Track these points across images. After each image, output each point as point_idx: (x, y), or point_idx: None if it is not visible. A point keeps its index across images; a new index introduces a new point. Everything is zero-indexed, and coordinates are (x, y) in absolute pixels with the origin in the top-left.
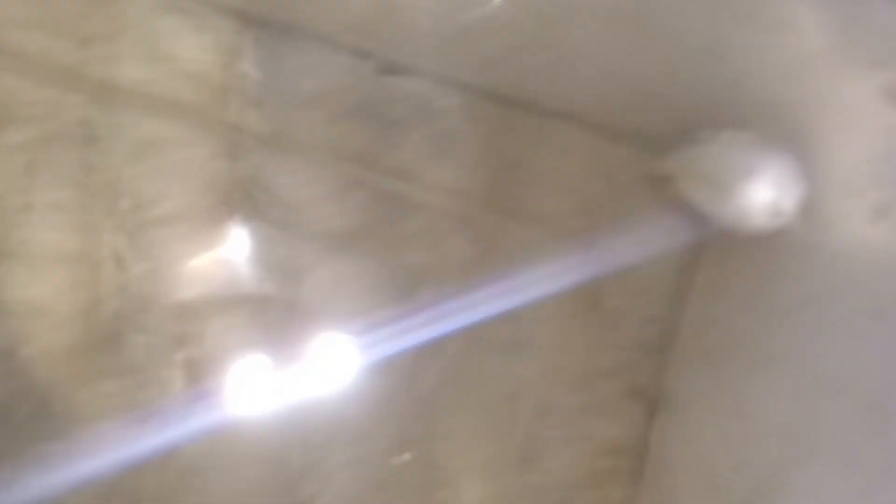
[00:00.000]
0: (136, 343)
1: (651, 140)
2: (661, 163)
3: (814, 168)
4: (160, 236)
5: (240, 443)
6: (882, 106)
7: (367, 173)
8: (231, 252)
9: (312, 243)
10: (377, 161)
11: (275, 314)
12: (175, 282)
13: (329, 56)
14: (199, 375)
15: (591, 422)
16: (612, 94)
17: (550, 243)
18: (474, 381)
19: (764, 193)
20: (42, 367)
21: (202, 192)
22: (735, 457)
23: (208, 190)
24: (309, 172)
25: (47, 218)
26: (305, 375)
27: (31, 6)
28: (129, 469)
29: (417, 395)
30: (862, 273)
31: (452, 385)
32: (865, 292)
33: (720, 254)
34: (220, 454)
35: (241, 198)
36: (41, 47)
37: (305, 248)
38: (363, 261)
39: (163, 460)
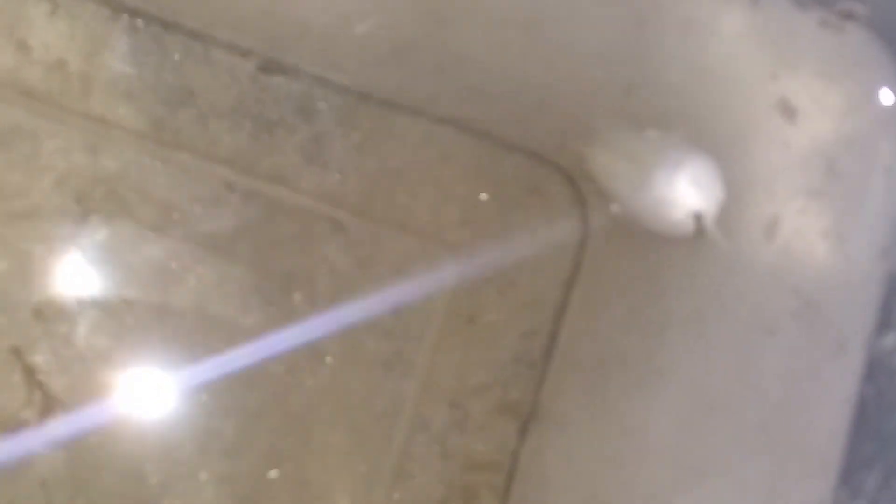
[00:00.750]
0: None
1: (539, 150)
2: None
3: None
4: (15, 233)
5: (95, 455)
6: (778, 119)
7: (241, 176)
8: (92, 253)
9: (183, 246)
10: (252, 164)
11: (139, 319)
12: (31, 282)
13: (207, 51)
14: (53, 382)
15: (462, 438)
16: (502, 102)
17: (429, 254)
18: (351, 396)
19: (688, 188)
20: None
21: (61, 187)
22: (616, 476)
23: (68, 185)
24: (181, 172)
25: None
26: (169, 386)
27: None
28: None
29: (291, 409)
30: (752, 289)
31: (329, 400)
32: (756, 309)
33: (602, 267)
34: (73, 466)
35: (106, 195)
36: None
37: (175, 250)
38: (234, 266)
39: (12, 474)
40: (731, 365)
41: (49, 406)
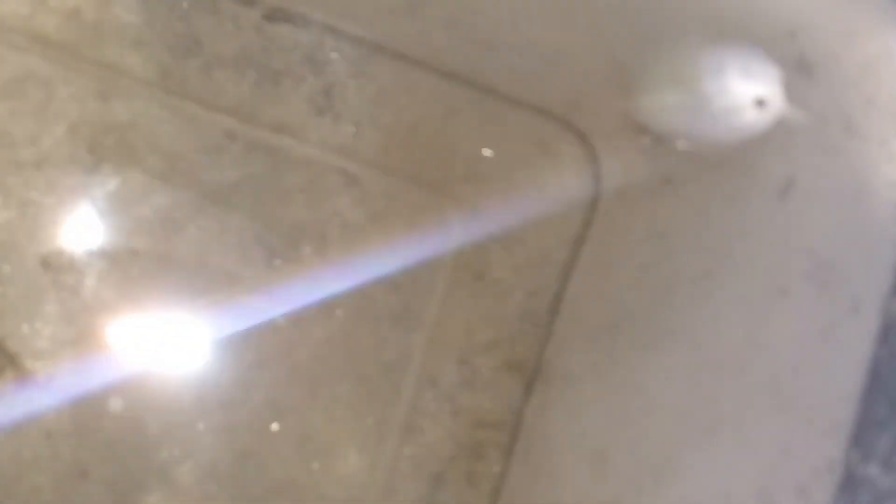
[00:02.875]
0: None
1: (549, 107)
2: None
3: None
4: (23, 182)
5: (98, 406)
6: (795, 76)
7: (244, 126)
8: (102, 202)
9: (188, 195)
10: (255, 113)
11: (144, 270)
12: (39, 232)
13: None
14: (60, 333)
15: (468, 394)
16: (514, 56)
17: (439, 208)
18: (357, 349)
19: (744, 82)
20: None
21: (73, 135)
22: (624, 435)
23: (80, 134)
24: (187, 122)
25: None
26: (171, 337)
27: None
28: None
29: (296, 361)
30: (764, 249)
31: (335, 353)
32: (768, 269)
33: (611, 226)
34: (77, 418)
35: (116, 144)
36: None
37: (181, 200)
38: (241, 216)
39: (18, 426)
40: (741, 325)
41: (52, 358)
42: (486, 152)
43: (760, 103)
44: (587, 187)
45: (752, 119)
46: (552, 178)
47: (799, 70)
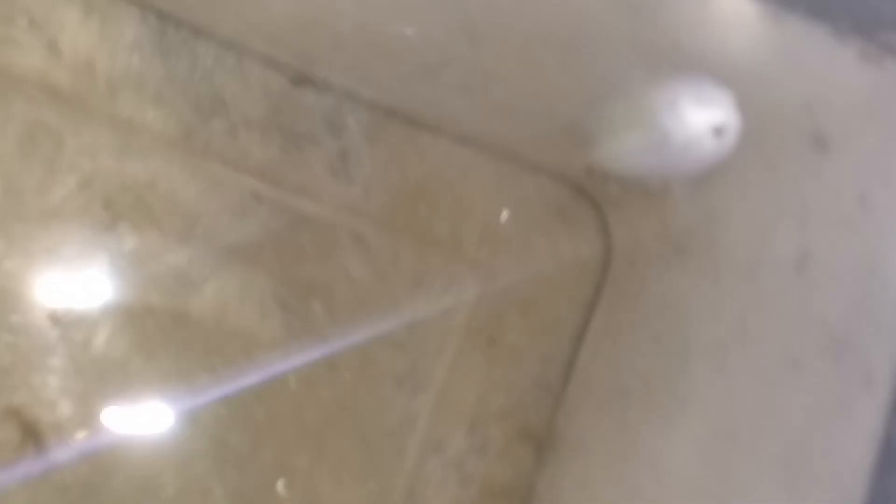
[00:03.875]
0: (4, 343)
1: (563, 172)
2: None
3: None
4: (33, 231)
5: (112, 464)
6: (809, 150)
7: (269, 187)
8: (116, 259)
9: (207, 254)
10: (280, 176)
11: (159, 327)
12: (50, 283)
13: (239, 61)
14: (70, 387)
15: (478, 461)
16: (528, 122)
17: (449, 270)
18: (364, 411)
19: (699, 112)
20: None
21: (87, 189)
22: None
23: (94, 188)
24: (210, 182)
25: None
26: (185, 395)
27: None
28: None
29: (305, 422)
30: (778, 322)
31: (342, 414)
32: (781, 342)
33: (624, 292)
34: (90, 475)
35: (133, 202)
36: None
37: (199, 259)
38: (259, 275)
39: (31, 480)
40: (754, 397)
41: (62, 416)
42: (503, 216)
43: (719, 131)
44: (599, 253)
45: (713, 148)
46: (566, 243)
47: (814, 144)
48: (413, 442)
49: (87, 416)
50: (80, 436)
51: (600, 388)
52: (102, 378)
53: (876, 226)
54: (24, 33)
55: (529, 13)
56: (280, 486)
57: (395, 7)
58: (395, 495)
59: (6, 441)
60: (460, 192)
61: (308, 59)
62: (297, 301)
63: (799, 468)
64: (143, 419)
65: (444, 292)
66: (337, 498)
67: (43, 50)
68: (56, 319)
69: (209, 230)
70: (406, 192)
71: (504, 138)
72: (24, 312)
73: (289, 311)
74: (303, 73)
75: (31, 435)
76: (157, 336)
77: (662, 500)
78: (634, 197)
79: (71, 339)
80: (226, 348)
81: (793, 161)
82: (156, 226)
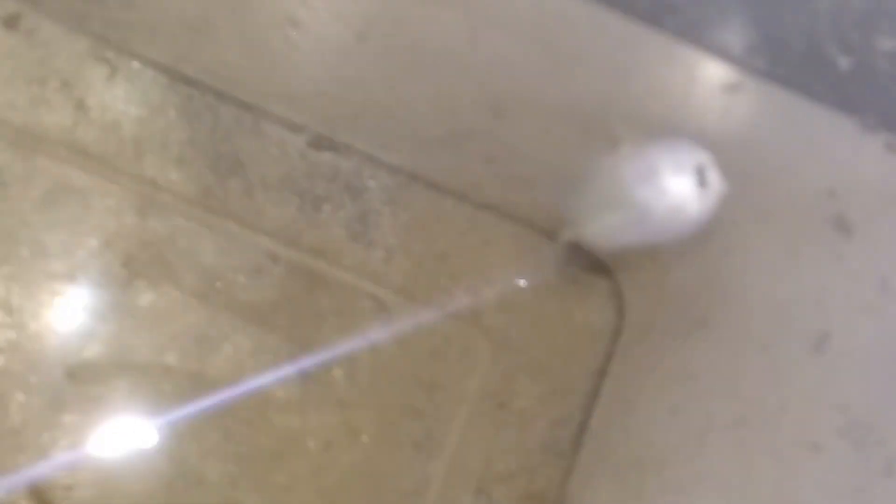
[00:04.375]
0: (17, 403)
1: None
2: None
3: None
4: (57, 291)
5: None
6: (832, 234)
7: (286, 248)
8: (134, 317)
9: (225, 314)
10: (297, 237)
11: (177, 385)
12: (68, 342)
13: (258, 123)
14: (83, 442)
15: None
16: (547, 193)
17: (466, 336)
18: (380, 475)
19: (678, 175)
20: None
21: (109, 249)
22: None
23: (116, 247)
24: (227, 241)
25: None
26: (201, 454)
27: None
28: None
29: (322, 486)
30: (798, 402)
31: (359, 479)
32: (801, 422)
33: (638, 361)
34: None
35: (152, 260)
36: None
37: (217, 318)
38: (277, 337)
39: None
40: (773, 478)
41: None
42: (521, 283)
43: (701, 190)
44: (612, 320)
45: (698, 209)
46: (578, 310)
47: (837, 228)
48: None
49: (97, 473)
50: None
51: (614, 456)
52: (116, 432)
53: None
54: (56, 94)
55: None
56: None
57: (420, 78)
58: None
59: None
60: (480, 258)
61: (328, 123)
62: (316, 365)
63: None
64: (157, 477)
65: (461, 358)
66: None
67: (72, 109)
68: (73, 375)
69: (226, 290)
70: (427, 257)
71: (523, 207)
72: (43, 373)
73: (308, 375)
74: (323, 135)
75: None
76: (174, 395)
77: None
78: (649, 267)
79: (87, 395)
80: (242, 410)
81: (815, 243)
82: (175, 283)
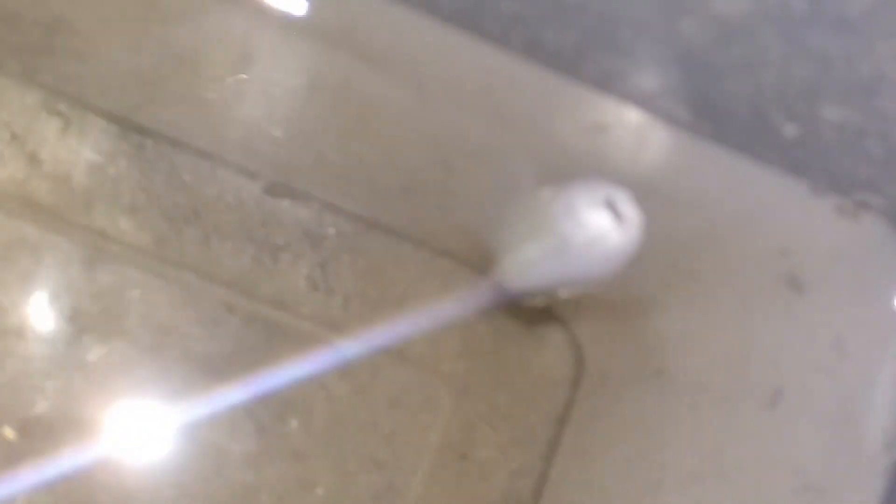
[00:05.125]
0: None
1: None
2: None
3: None
4: (7, 348)
5: None
6: (785, 292)
7: (242, 299)
8: (83, 372)
9: (178, 367)
10: (253, 287)
11: (127, 441)
12: (17, 399)
13: (214, 171)
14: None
15: None
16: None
17: (425, 385)
18: None
19: (596, 212)
20: None
21: (55, 303)
22: None
23: (62, 302)
24: (182, 292)
25: None
26: None
27: None
28: None
29: None
30: (752, 459)
31: None
32: (756, 481)
33: (597, 411)
34: None
35: (101, 313)
36: None
37: (170, 372)
38: (232, 389)
39: None
40: None
41: None
42: (480, 329)
43: (618, 225)
44: (570, 368)
45: (616, 243)
46: (537, 358)
47: (789, 286)
48: None
49: None
50: None
51: None
52: (67, 495)
53: (851, 371)
54: (6, 147)
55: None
56: None
57: (372, 133)
58: None
59: None
60: (439, 305)
61: (285, 170)
62: (272, 416)
63: None
64: None
65: (421, 408)
66: None
67: (24, 162)
68: (24, 432)
69: (180, 342)
70: (385, 304)
71: (479, 254)
72: None
73: (263, 427)
74: (279, 183)
75: None
76: (126, 451)
77: None
78: (606, 317)
79: (37, 450)
80: (200, 466)
81: (768, 300)
82: (125, 337)
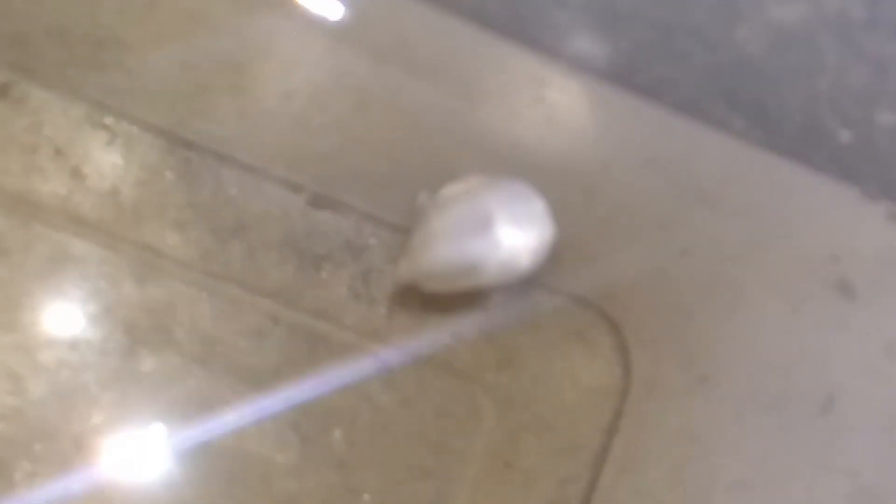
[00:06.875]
0: (23, 471)
1: (583, 295)
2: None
3: None
4: (58, 359)
5: None
6: (835, 297)
7: (286, 310)
8: (136, 384)
9: (226, 379)
10: (297, 298)
11: (179, 452)
12: (72, 410)
13: (259, 185)
14: None
15: None
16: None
17: (470, 395)
18: None
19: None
20: None
21: (109, 316)
22: None
23: (116, 315)
24: (228, 304)
25: None
26: None
27: None
28: None
29: None
30: (803, 465)
31: None
32: (808, 487)
33: (645, 419)
34: None
35: (152, 326)
36: None
37: (218, 383)
38: (278, 400)
39: None
40: None
41: None
42: (524, 339)
43: (536, 244)
44: (619, 377)
45: (531, 261)
46: (584, 366)
47: (840, 292)
48: None
49: None
50: None
51: None
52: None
53: None
54: (49, 162)
55: None
56: None
57: (418, 145)
58: None
59: None
60: (483, 314)
61: (327, 182)
62: (316, 428)
63: None
64: None
65: (466, 417)
66: None
67: (68, 177)
68: (80, 445)
69: (227, 354)
70: (428, 314)
71: None
72: (49, 441)
73: (307, 438)
74: (322, 194)
75: None
76: (178, 463)
77: None
78: (656, 323)
79: (93, 462)
80: (246, 476)
81: (818, 306)
82: (175, 349)
